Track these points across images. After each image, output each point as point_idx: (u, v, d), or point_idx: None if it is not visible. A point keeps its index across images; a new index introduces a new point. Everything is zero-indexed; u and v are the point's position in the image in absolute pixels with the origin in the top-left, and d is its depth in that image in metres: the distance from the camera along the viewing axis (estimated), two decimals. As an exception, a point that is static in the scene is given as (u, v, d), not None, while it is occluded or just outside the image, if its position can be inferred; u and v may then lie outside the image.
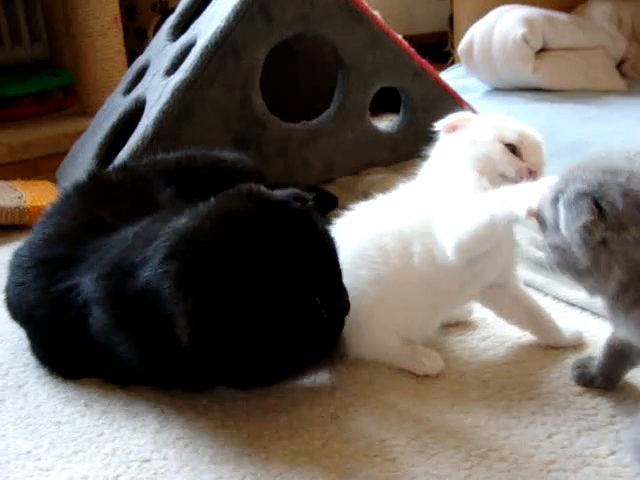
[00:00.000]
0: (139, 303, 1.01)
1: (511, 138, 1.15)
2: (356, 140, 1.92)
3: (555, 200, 0.91)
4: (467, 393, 1.09)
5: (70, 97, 2.84)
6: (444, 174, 1.16)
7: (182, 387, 1.12)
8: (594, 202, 0.85)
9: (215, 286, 0.95)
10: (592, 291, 0.94)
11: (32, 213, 1.85)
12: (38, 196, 1.93)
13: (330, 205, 1.70)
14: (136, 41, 3.12)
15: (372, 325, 1.14)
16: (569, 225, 0.87)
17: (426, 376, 1.12)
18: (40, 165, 2.42)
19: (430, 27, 3.50)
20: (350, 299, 1.08)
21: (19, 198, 1.90)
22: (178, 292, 0.95)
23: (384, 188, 1.73)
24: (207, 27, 1.79)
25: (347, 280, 1.08)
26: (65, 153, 2.28)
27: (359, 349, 1.16)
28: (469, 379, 1.12)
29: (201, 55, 1.71)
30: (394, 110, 2.15)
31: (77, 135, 2.39)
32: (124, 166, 1.48)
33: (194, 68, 1.71)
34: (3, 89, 2.68)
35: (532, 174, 1.12)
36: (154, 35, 3.12)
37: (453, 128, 1.22)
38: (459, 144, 1.18)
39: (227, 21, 1.71)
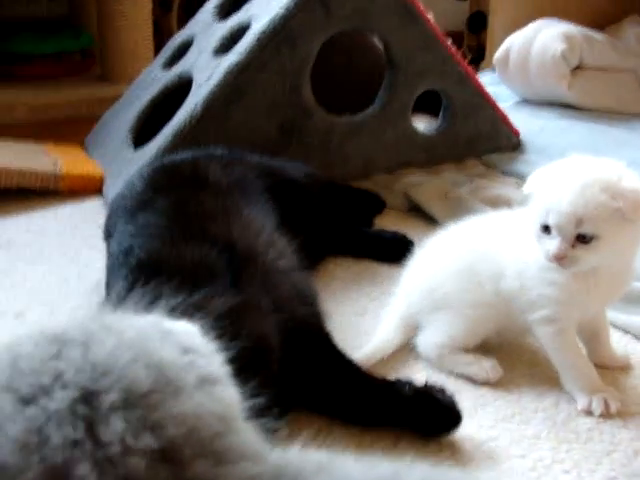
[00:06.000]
0: None
1: (540, 218, 1.05)
2: (396, 139, 1.93)
3: None
4: (525, 404, 1.11)
5: (88, 60, 2.81)
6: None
7: None
8: None
9: None
10: None
11: (67, 180, 1.84)
12: (73, 163, 1.92)
13: (378, 208, 1.71)
14: (160, 12, 3.10)
15: (450, 332, 1.17)
16: None
17: (485, 384, 1.15)
18: (63, 128, 2.39)
19: (446, 26, 3.52)
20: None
21: (54, 164, 1.88)
22: None
23: (424, 192, 1.77)
24: (263, 11, 1.79)
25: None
26: (87, 118, 2.28)
27: (425, 350, 1.19)
28: (525, 389, 1.14)
29: (258, 39, 1.71)
30: (426, 111, 2.17)
31: (98, 101, 2.40)
32: (224, 163, 1.36)
33: (249, 52, 1.70)
34: (21, 45, 2.63)
35: (557, 260, 1.04)
36: (179, 8, 3.14)
37: None
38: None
39: (287, 9, 1.71)
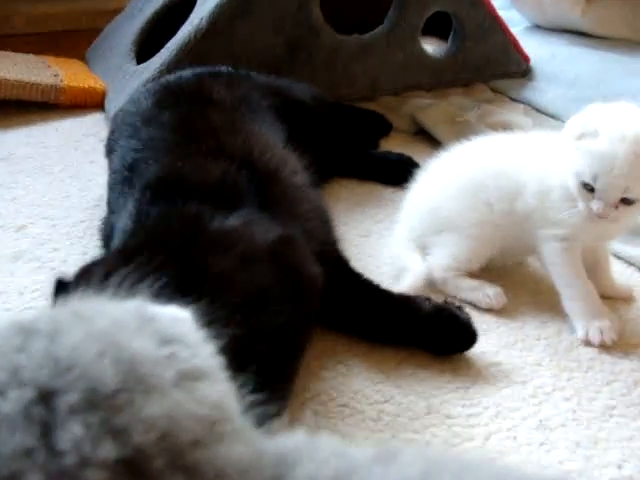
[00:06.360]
0: None
1: (585, 177, 1.03)
2: (404, 61, 1.89)
3: None
4: (527, 332, 1.11)
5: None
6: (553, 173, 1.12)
7: None
8: None
9: None
10: None
11: (69, 93, 1.80)
12: (74, 76, 1.87)
13: (384, 130, 1.69)
14: None
15: (456, 255, 1.17)
16: None
17: (488, 310, 1.15)
18: (63, 41, 2.34)
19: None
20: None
21: (55, 76, 1.84)
22: None
23: (431, 115, 1.74)
24: None
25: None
26: (88, 30, 2.23)
27: (430, 274, 1.19)
28: (528, 317, 1.15)
29: (264, -46, 1.66)
30: (435, 34, 2.12)
31: (99, 13, 2.34)
32: (229, 81, 1.32)
33: (256, -34, 1.65)
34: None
35: (601, 216, 1.04)
36: None
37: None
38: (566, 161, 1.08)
39: None
